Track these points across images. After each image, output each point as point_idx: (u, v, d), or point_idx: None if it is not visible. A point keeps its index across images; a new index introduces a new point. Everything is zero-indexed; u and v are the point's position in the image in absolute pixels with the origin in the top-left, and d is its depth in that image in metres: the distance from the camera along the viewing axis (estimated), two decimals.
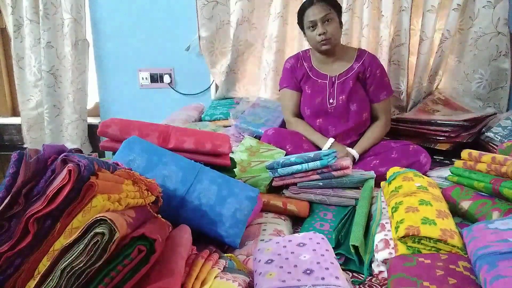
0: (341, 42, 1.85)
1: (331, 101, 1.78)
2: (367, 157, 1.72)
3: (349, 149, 1.71)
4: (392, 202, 1.05)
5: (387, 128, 1.84)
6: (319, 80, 1.81)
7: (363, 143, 1.76)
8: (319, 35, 1.68)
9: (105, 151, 2.27)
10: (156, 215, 0.84)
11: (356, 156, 1.70)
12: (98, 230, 0.60)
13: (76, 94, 2.51)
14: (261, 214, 1.28)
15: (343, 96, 1.77)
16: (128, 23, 2.51)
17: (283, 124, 2.00)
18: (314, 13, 1.67)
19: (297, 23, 1.82)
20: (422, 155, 1.59)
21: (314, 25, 1.69)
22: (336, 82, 1.78)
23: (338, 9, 1.74)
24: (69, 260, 0.58)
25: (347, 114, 1.78)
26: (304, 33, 1.79)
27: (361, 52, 1.82)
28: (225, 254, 0.92)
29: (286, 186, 1.41)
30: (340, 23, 1.75)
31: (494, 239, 0.74)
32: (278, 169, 1.39)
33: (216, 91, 2.50)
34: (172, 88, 2.60)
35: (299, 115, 1.89)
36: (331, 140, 1.75)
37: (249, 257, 0.99)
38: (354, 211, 1.25)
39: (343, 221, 1.22)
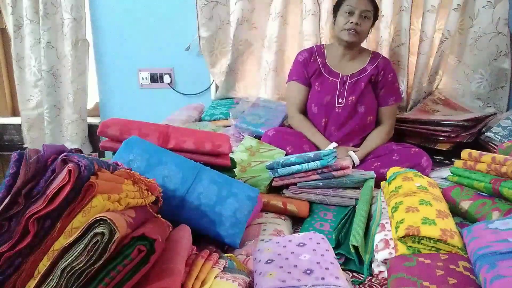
0: None
1: (340, 100, 1.77)
2: (368, 159, 1.72)
3: (351, 153, 1.70)
4: (392, 202, 1.05)
5: (390, 134, 1.84)
6: (331, 78, 1.80)
7: (366, 148, 1.74)
8: (351, 23, 1.68)
9: (105, 151, 2.27)
10: (156, 215, 0.84)
11: (357, 162, 1.68)
12: (98, 230, 0.60)
13: (76, 94, 2.51)
14: (261, 214, 1.28)
15: (353, 97, 1.77)
16: (128, 23, 2.50)
17: (283, 124, 2.00)
18: (359, 3, 1.68)
19: (334, 5, 1.82)
20: (424, 159, 1.57)
21: (351, 13, 1.68)
22: (348, 82, 1.78)
23: (375, 16, 1.77)
24: (69, 260, 0.58)
25: (353, 115, 1.78)
26: (335, 17, 1.78)
27: (375, 55, 1.84)
28: (225, 254, 0.92)
29: (286, 186, 1.41)
30: (371, 29, 1.79)
31: (494, 239, 0.74)
32: (278, 169, 1.39)
33: (216, 91, 2.50)
34: (172, 88, 2.60)
35: (303, 111, 1.88)
36: (334, 144, 1.73)
37: (249, 257, 0.99)
38: (354, 211, 1.25)
39: (343, 221, 1.22)
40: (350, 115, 1.78)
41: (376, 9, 1.76)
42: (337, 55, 1.82)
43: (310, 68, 1.84)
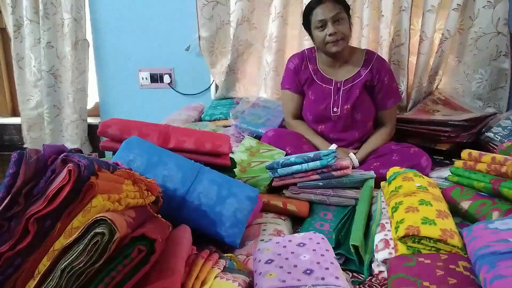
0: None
1: (335, 109, 1.72)
2: (368, 159, 1.70)
3: (352, 156, 1.67)
4: (392, 202, 1.05)
5: (391, 135, 1.80)
6: (324, 85, 1.74)
7: (366, 150, 1.71)
8: (330, 35, 1.58)
9: (105, 151, 2.27)
10: (156, 215, 0.84)
11: (356, 164, 1.65)
12: (98, 230, 0.60)
13: (76, 94, 2.51)
14: (261, 214, 1.28)
15: (348, 106, 1.70)
16: (128, 23, 2.51)
17: (283, 124, 2.00)
18: (324, 12, 1.58)
19: (302, 23, 1.73)
20: (423, 158, 1.56)
21: (323, 25, 1.59)
22: (342, 89, 1.71)
23: (347, 9, 1.65)
24: (69, 260, 0.58)
25: (351, 123, 1.74)
26: (311, 34, 1.69)
27: (369, 56, 1.74)
28: (225, 254, 0.92)
29: (286, 186, 1.41)
30: (350, 24, 1.67)
31: (494, 239, 0.74)
32: (278, 169, 1.39)
33: (216, 91, 2.51)
34: (172, 88, 2.60)
35: (300, 117, 1.86)
36: (334, 146, 1.71)
37: (249, 257, 0.99)
38: (354, 211, 1.25)
39: (343, 221, 1.22)
40: (347, 123, 1.73)
41: (344, 5, 1.64)
42: (329, 61, 1.74)
43: (301, 76, 1.78)
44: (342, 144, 1.76)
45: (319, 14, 1.60)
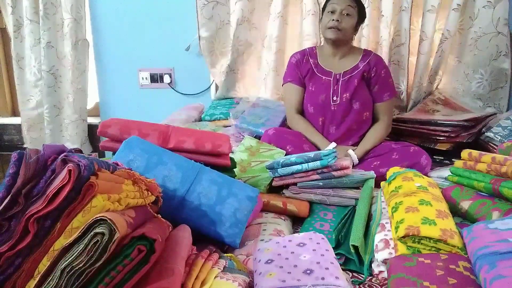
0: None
1: (334, 98, 1.79)
2: (367, 158, 1.72)
3: (351, 152, 1.70)
4: (392, 202, 1.05)
5: (388, 130, 1.84)
6: (324, 77, 1.83)
7: (365, 146, 1.75)
8: (332, 20, 1.71)
9: (105, 151, 2.27)
10: (156, 215, 0.84)
11: (356, 161, 1.68)
12: (98, 230, 0.60)
13: (76, 94, 2.51)
14: (261, 214, 1.28)
15: (347, 94, 1.78)
16: (128, 23, 2.51)
17: (283, 124, 2.00)
18: (339, 2, 1.72)
19: (322, 7, 1.86)
20: (423, 157, 1.58)
21: (333, 11, 1.72)
22: (341, 79, 1.80)
23: (361, 12, 1.78)
24: (69, 260, 0.58)
25: (349, 112, 1.79)
26: (321, 17, 1.82)
27: (367, 53, 1.85)
28: (225, 254, 0.92)
29: (286, 186, 1.41)
30: (357, 27, 1.79)
31: (494, 239, 0.74)
32: (278, 169, 1.39)
33: (216, 91, 2.50)
34: (172, 88, 2.60)
35: (301, 111, 1.90)
36: (333, 144, 1.74)
37: (249, 257, 0.99)
38: (354, 211, 1.25)
39: (343, 221, 1.22)
40: (346, 112, 1.79)
41: (360, 6, 1.78)
42: (328, 55, 1.85)
43: (303, 68, 1.87)
44: (340, 134, 1.80)
45: (334, 1, 1.74)
